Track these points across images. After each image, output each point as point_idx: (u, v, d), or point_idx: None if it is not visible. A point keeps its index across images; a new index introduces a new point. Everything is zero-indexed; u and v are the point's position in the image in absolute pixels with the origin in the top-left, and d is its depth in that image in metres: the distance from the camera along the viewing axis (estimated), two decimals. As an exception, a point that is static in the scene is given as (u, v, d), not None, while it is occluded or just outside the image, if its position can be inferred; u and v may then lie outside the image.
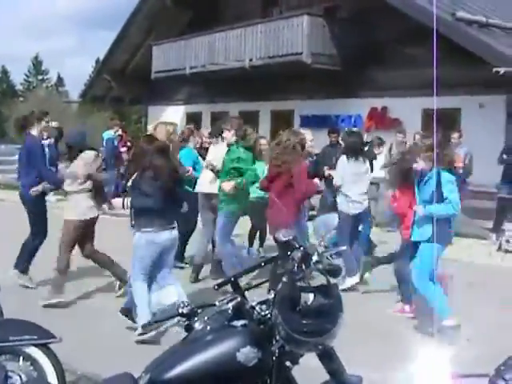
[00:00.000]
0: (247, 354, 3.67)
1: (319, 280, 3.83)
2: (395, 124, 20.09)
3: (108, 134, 21.95)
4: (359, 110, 21.89)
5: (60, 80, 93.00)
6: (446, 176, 8.17)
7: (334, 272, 3.88)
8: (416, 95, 19.28)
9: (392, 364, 7.16)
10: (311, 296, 3.71)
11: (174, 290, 4.01)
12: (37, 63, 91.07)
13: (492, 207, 15.39)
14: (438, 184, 8.12)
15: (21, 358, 5.09)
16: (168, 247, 8.08)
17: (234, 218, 10.19)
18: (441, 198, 8.11)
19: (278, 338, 3.79)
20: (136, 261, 8.02)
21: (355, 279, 10.21)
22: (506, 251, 14.17)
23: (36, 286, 10.21)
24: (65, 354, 5.46)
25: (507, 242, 14.39)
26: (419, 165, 8.34)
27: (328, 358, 3.99)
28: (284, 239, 4.01)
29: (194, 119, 25.16)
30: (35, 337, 5.12)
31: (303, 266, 3.84)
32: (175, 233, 8.13)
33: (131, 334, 8.05)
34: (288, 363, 3.94)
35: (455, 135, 16.09)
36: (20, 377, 4.92)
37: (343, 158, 10.64)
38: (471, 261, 12.83)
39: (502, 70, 15.24)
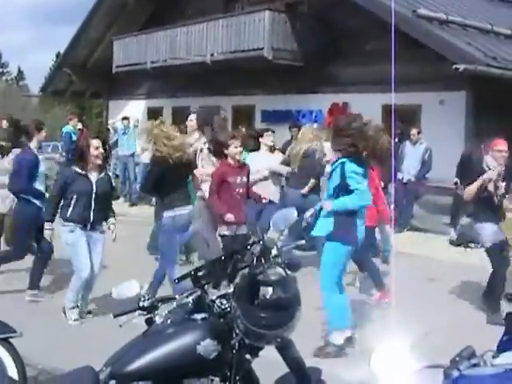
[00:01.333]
0: (207, 347, 3.71)
1: (278, 274, 3.86)
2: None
3: (67, 128, 21.83)
4: (320, 105, 21.92)
5: (20, 73, 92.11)
6: (349, 167, 7.49)
7: (292, 266, 3.93)
8: (376, 91, 19.40)
9: (351, 356, 7.32)
10: (270, 290, 3.75)
11: (135, 284, 4.01)
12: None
13: (450, 202, 15.53)
14: (343, 176, 7.53)
15: (-19, 354, 5.08)
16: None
17: None
18: (347, 191, 7.51)
19: (237, 331, 3.83)
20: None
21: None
22: (466, 246, 14.30)
23: None
24: (25, 349, 5.46)
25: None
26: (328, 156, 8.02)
27: (287, 350, 4.05)
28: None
29: (155, 114, 25.07)
30: (-5, 331, 5.11)
31: (262, 260, 3.89)
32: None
33: (93, 329, 8.11)
34: (248, 356, 4.00)
35: (414, 131, 16.27)
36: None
37: None
38: (429, 255, 12.95)
39: (461, 67, 15.37)
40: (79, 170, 8.58)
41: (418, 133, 16.28)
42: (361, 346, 7.28)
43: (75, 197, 8.52)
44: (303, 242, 4.62)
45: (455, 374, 2.92)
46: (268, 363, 4.14)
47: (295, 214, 4.27)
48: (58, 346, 7.36)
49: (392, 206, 16.01)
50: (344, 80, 20.87)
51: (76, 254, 8.65)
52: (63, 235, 8.67)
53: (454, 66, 15.54)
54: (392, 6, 14.89)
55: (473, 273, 11.04)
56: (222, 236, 9.47)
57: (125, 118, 23.33)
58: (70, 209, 8.54)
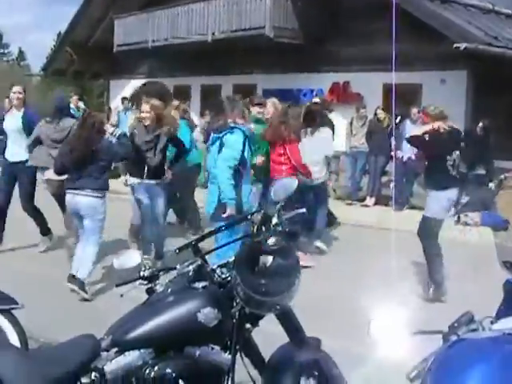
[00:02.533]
0: (207, 315, 3.74)
1: (278, 242, 3.88)
2: (357, 99, 20.19)
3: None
4: (321, 84, 21.91)
5: (21, 54, 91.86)
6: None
7: (292, 234, 3.96)
8: (377, 70, 19.38)
9: (348, 327, 7.35)
10: (270, 258, 3.78)
11: (136, 254, 4.04)
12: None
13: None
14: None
15: (-18, 325, 5.11)
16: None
17: None
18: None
19: (237, 300, 3.86)
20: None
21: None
22: (466, 224, 14.34)
23: None
24: (27, 322, 5.49)
25: (466, 215, 14.57)
26: None
27: (286, 319, 4.09)
28: None
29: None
30: (-3, 302, 5.13)
31: (263, 229, 3.91)
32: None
33: (95, 301, 8.17)
34: (248, 325, 4.03)
35: (414, 110, 16.25)
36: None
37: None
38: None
39: (462, 46, 15.36)
40: None
41: (419, 112, 16.26)
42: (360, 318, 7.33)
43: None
44: (304, 210, 4.64)
45: (453, 338, 2.96)
46: (268, 335, 4.19)
47: (295, 183, 4.30)
48: (59, 318, 7.40)
49: (392, 185, 16.15)
50: (345, 59, 20.86)
51: (102, 227, 8.89)
52: (99, 206, 8.80)
53: (455, 45, 15.54)
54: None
55: (471, 250, 11.06)
56: None
57: (125, 98, 23.48)
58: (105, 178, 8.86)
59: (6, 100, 13.47)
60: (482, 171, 15.24)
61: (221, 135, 8.12)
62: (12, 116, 10.88)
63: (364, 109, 17.33)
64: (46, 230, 11.18)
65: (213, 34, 23.07)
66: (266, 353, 4.33)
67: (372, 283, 9.34)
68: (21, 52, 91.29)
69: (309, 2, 21.62)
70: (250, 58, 23.17)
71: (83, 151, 8.66)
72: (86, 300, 8.47)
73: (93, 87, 46.52)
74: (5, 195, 10.88)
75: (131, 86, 28.70)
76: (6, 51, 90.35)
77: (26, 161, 10.53)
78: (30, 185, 10.85)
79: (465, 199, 15.13)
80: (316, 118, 11.14)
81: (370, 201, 17.01)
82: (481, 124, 15.50)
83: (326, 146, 11.08)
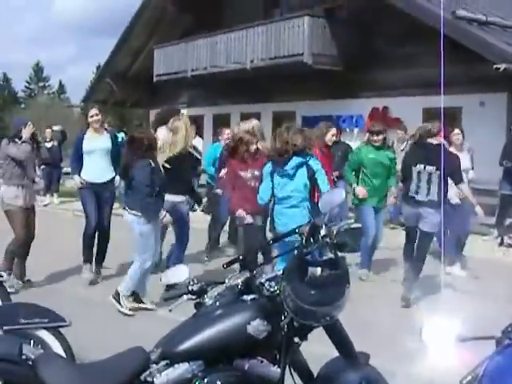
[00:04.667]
0: (257, 327, 3.75)
1: (326, 254, 3.89)
2: (397, 123, 20.15)
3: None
4: (360, 110, 21.92)
5: (61, 87, 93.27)
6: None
7: (341, 246, 3.95)
8: (416, 94, 19.39)
9: (399, 334, 7.31)
10: (319, 269, 3.79)
11: (184, 268, 4.05)
12: (38, 70, 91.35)
13: (493, 204, 15.40)
14: None
15: (31, 342, 5.14)
16: None
17: None
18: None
19: (286, 313, 3.87)
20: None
21: None
22: (509, 246, 14.30)
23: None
24: (74, 340, 5.53)
25: (509, 237, 14.53)
26: None
27: (335, 331, 4.08)
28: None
29: (196, 122, 25.19)
30: (46, 320, 5.16)
31: (311, 240, 3.92)
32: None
33: (143, 322, 8.24)
34: (297, 339, 4.03)
35: (455, 132, 16.15)
36: (32, 360, 4.94)
37: None
38: (472, 255, 12.86)
39: (502, 67, 15.31)
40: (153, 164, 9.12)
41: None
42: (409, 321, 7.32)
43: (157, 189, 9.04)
44: (351, 220, 4.64)
45: (507, 342, 2.94)
46: (313, 357, 4.20)
47: (343, 195, 4.31)
48: (107, 337, 7.44)
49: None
50: (384, 84, 20.83)
51: (146, 245, 9.03)
52: (137, 226, 9.02)
53: (495, 66, 15.49)
54: (441, 13, 14.80)
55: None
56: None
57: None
58: (150, 200, 8.99)
59: (48, 130, 13.65)
60: (525, 194, 15.13)
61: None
62: (96, 137, 11.02)
63: (405, 132, 17.27)
64: (90, 257, 11.16)
65: (251, 61, 23.20)
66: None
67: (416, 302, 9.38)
68: (61, 85, 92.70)
69: (346, 29, 21.72)
70: (288, 85, 23.23)
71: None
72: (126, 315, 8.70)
73: (132, 117, 46.99)
74: (95, 219, 11.03)
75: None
76: (46, 84, 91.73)
77: (111, 180, 10.94)
78: (112, 205, 11.24)
79: (508, 221, 15.08)
80: None
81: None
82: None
83: None
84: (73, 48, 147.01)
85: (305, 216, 8.34)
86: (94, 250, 11.11)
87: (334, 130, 11.97)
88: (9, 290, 9.03)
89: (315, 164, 8.95)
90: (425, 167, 9.53)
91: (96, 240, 11.09)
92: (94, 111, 11.05)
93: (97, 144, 10.97)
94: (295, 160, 8.76)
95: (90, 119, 11.01)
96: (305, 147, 8.94)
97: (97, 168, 10.96)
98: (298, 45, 21.45)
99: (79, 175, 10.97)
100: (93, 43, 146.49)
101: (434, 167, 9.40)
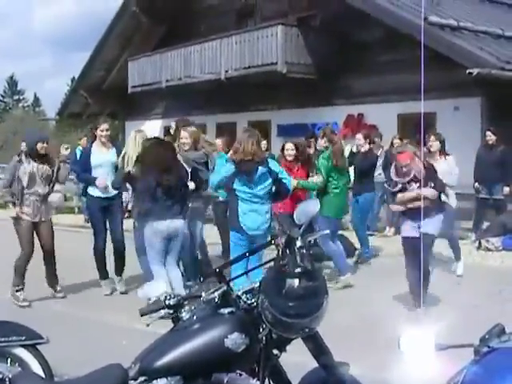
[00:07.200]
0: (235, 340, 3.72)
1: (303, 265, 3.86)
2: (372, 130, 20.19)
3: (79, 149, 21.78)
4: (335, 117, 21.95)
5: (36, 100, 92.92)
6: None
7: (317, 256, 3.94)
8: (391, 101, 19.49)
9: (378, 343, 7.31)
10: (296, 281, 3.76)
11: (161, 283, 4.02)
12: (12, 83, 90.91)
13: (470, 207, 15.46)
14: None
15: (8, 360, 5.10)
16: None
17: None
18: None
19: (264, 325, 3.84)
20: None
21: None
22: (487, 249, 14.37)
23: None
24: (52, 358, 5.48)
25: (487, 241, 14.59)
26: None
27: (314, 342, 4.06)
28: None
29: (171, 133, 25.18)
30: (23, 337, 5.11)
31: (287, 252, 3.90)
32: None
33: (120, 337, 8.17)
34: (275, 351, 4.00)
35: (432, 138, 16.20)
36: (9, 378, 4.88)
37: None
38: (450, 259, 12.92)
39: (475, 71, 15.39)
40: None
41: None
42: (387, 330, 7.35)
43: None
44: (327, 231, 4.63)
45: (485, 349, 2.94)
46: (288, 366, 4.17)
47: (318, 206, 4.30)
48: (85, 353, 7.38)
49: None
50: (358, 91, 20.95)
51: (151, 253, 9.34)
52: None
53: (468, 71, 15.57)
54: (422, 22, 14.88)
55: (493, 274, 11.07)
56: None
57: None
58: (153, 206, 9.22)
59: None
60: (500, 196, 15.20)
61: None
62: (104, 152, 11.03)
63: (379, 139, 17.33)
64: (106, 273, 11.25)
65: (226, 71, 23.23)
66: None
67: (394, 308, 9.39)
68: (36, 98, 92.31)
69: (320, 37, 21.81)
70: (263, 94, 23.31)
71: None
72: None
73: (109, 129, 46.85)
74: (104, 234, 11.12)
75: (147, 126, 28.87)
76: (21, 97, 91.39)
77: (117, 195, 10.96)
78: (122, 220, 11.20)
79: (485, 225, 15.17)
80: None
81: (389, 231, 16.99)
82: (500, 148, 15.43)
83: None
84: (47, 62, 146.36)
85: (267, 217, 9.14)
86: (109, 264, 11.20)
87: (288, 145, 12.23)
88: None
89: (274, 165, 9.40)
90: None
91: (113, 255, 11.15)
92: (104, 126, 11.07)
93: (104, 158, 10.94)
94: (261, 170, 9.08)
95: (99, 133, 11.03)
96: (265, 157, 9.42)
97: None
98: (272, 54, 21.51)
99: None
100: (67, 57, 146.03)
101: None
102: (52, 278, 10.72)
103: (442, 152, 11.70)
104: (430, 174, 9.54)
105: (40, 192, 10.31)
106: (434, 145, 11.73)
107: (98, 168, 10.89)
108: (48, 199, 10.58)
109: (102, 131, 10.99)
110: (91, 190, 11.01)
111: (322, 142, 11.64)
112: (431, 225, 9.30)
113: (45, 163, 10.37)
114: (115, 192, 10.77)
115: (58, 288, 10.70)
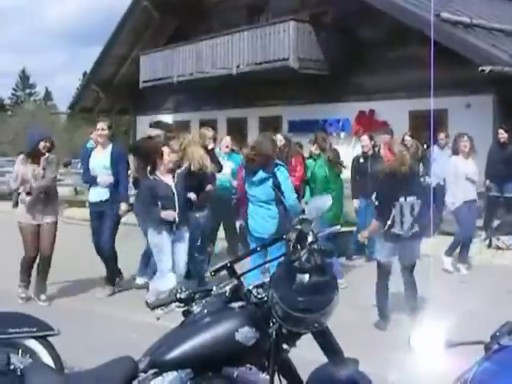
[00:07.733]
0: (246, 334, 3.72)
1: (314, 260, 3.86)
2: (383, 127, 20.15)
3: (90, 143, 21.79)
4: (347, 113, 21.98)
5: (48, 94, 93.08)
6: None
7: (328, 252, 3.94)
8: (402, 97, 19.46)
9: (388, 339, 7.31)
10: (307, 276, 3.76)
11: (172, 277, 4.06)
12: (24, 77, 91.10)
13: (480, 206, 15.41)
14: None
15: (20, 351, 5.11)
16: None
17: None
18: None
19: (274, 320, 3.84)
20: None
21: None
22: (498, 247, 14.33)
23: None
24: (63, 349, 5.50)
25: (497, 239, 14.55)
26: None
27: (324, 337, 4.05)
28: None
29: (182, 127, 25.19)
30: (34, 329, 5.13)
31: (298, 247, 3.90)
32: None
33: (130, 331, 8.19)
34: (285, 346, 4.00)
35: (442, 135, 16.20)
36: (20, 369, 4.89)
37: None
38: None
39: (487, 69, 15.34)
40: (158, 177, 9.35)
41: (446, 137, 16.19)
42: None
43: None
44: (338, 227, 4.63)
45: (495, 347, 2.93)
46: (304, 363, 4.17)
47: (330, 201, 4.29)
48: (95, 346, 7.41)
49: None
50: (370, 88, 20.91)
51: (160, 256, 8.96)
52: (149, 237, 9.28)
53: (480, 68, 15.52)
54: (432, 20, 14.84)
55: (504, 272, 11.03)
56: None
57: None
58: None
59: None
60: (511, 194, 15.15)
61: None
62: (98, 153, 10.58)
63: (391, 135, 17.28)
64: (113, 278, 10.84)
65: (237, 67, 23.21)
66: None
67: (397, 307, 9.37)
68: (47, 92, 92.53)
69: (332, 33, 21.79)
70: (275, 90, 23.28)
71: None
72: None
73: (119, 124, 46.95)
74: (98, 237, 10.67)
75: (157, 121, 28.86)
76: (33, 91, 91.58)
77: (111, 199, 10.39)
78: (115, 225, 10.58)
79: (496, 223, 15.12)
80: None
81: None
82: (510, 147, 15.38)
83: None
84: (60, 56, 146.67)
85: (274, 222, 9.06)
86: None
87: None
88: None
89: (281, 175, 9.19)
90: (405, 199, 8.81)
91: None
92: (100, 125, 10.47)
93: (96, 161, 10.54)
94: (260, 174, 9.10)
95: (95, 132, 10.66)
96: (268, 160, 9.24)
97: (95, 186, 10.58)
98: (284, 49, 21.48)
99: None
100: (80, 51, 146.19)
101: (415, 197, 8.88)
102: (40, 284, 10.20)
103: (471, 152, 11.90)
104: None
105: (40, 192, 9.94)
106: (468, 145, 11.79)
107: (97, 170, 10.50)
108: (54, 199, 10.22)
109: (97, 130, 10.54)
110: (89, 194, 10.77)
111: (313, 149, 11.74)
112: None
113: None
114: (103, 198, 10.37)
115: (43, 297, 10.06)
